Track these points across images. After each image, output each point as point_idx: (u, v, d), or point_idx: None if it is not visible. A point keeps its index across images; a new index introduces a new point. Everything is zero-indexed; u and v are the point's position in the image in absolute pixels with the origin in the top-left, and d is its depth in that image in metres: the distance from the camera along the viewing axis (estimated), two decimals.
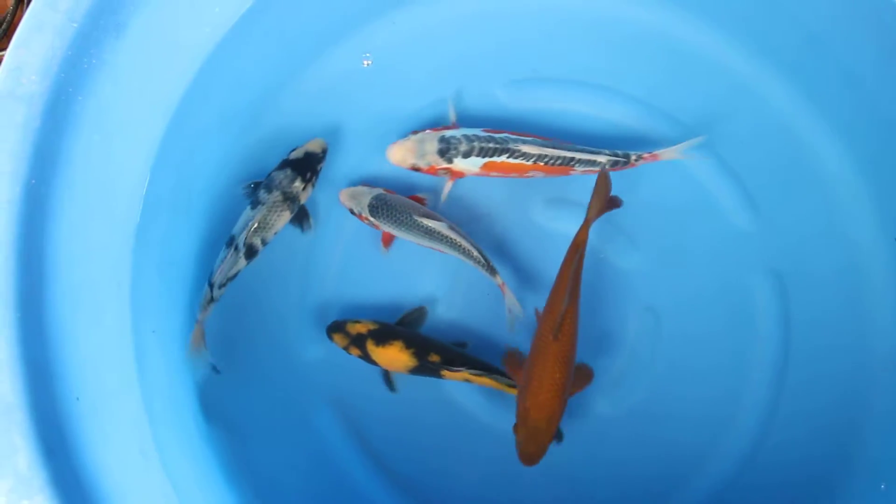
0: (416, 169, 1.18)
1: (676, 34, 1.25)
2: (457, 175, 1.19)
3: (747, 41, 1.23)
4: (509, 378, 1.12)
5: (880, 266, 1.20)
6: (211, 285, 1.11)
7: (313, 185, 1.19)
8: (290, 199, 1.15)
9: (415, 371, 1.15)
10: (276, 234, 1.16)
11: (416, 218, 1.15)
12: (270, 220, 1.14)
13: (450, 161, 1.16)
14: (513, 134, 1.17)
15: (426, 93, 1.26)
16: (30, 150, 0.87)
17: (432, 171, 1.18)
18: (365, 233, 1.23)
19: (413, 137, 1.18)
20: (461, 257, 1.17)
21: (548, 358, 1.03)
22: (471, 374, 1.13)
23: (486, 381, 1.14)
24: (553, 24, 1.27)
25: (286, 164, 1.17)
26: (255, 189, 1.17)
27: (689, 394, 1.21)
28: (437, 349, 1.14)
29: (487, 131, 1.18)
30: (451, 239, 1.15)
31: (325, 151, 1.20)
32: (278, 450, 1.17)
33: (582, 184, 1.21)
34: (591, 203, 1.11)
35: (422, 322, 1.21)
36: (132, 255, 1.00)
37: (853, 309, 1.20)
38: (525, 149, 1.16)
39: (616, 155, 1.18)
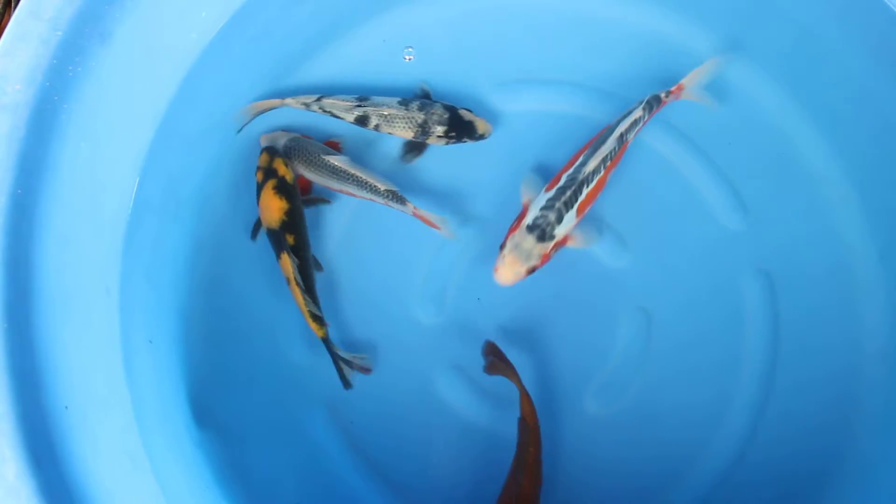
0: (535, 269, 1.12)
1: (666, 34, 1.26)
2: (567, 241, 1.15)
3: (737, 42, 1.24)
4: (318, 321, 1.14)
5: (869, 265, 1.20)
6: (319, 101, 1.20)
7: (444, 144, 1.22)
8: (423, 129, 1.20)
9: (269, 234, 1.16)
10: (387, 132, 1.21)
11: (323, 157, 1.17)
12: (397, 124, 1.20)
13: (553, 238, 1.11)
14: (568, 168, 1.14)
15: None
16: (15, 161, 0.86)
17: (547, 258, 1.13)
18: (356, 234, 1.24)
19: (507, 251, 1.11)
20: (371, 196, 1.17)
21: None
22: (296, 286, 1.14)
23: (299, 300, 1.14)
24: (542, 24, 1.27)
25: (454, 110, 1.21)
26: (419, 95, 1.24)
27: (680, 393, 1.21)
28: (299, 239, 1.16)
29: (550, 186, 1.14)
30: (356, 176, 1.16)
31: (480, 137, 1.22)
32: (270, 454, 1.17)
33: None
34: (514, 379, 1.13)
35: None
36: (121, 262, 0.99)
37: (842, 308, 1.21)
38: (591, 167, 1.12)
39: (648, 104, 1.17)
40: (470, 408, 1.21)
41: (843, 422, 1.18)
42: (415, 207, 1.17)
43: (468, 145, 1.23)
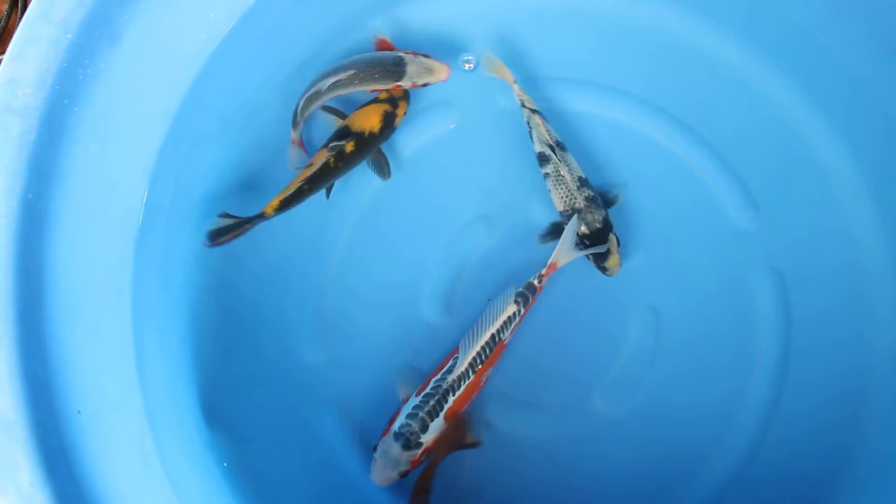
0: (407, 473, 1.11)
1: (677, 31, 1.25)
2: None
3: (747, 38, 1.23)
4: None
5: (880, 263, 1.20)
6: (532, 112, 1.19)
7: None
8: (571, 213, 1.17)
9: (343, 129, 1.16)
10: (548, 186, 1.19)
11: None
12: (560, 191, 1.17)
13: (419, 445, 1.09)
14: (437, 373, 1.12)
15: (425, 93, 1.25)
16: (26, 164, 0.86)
17: (417, 462, 1.11)
18: (365, 234, 1.24)
19: (377, 456, 1.10)
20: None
21: None
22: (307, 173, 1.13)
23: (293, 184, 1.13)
24: (551, 20, 1.26)
25: (609, 228, 1.18)
26: (582, 188, 1.18)
27: (690, 392, 1.21)
28: (352, 159, 1.15)
29: (420, 390, 1.12)
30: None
31: (603, 269, 1.19)
32: (282, 455, 1.17)
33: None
34: (440, 447, 1.12)
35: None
36: (132, 264, 0.99)
37: (854, 306, 1.21)
38: (457, 374, 1.10)
39: (521, 295, 1.14)
40: (479, 408, 1.20)
41: (854, 420, 1.18)
42: None
43: (475, 136, 1.23)
